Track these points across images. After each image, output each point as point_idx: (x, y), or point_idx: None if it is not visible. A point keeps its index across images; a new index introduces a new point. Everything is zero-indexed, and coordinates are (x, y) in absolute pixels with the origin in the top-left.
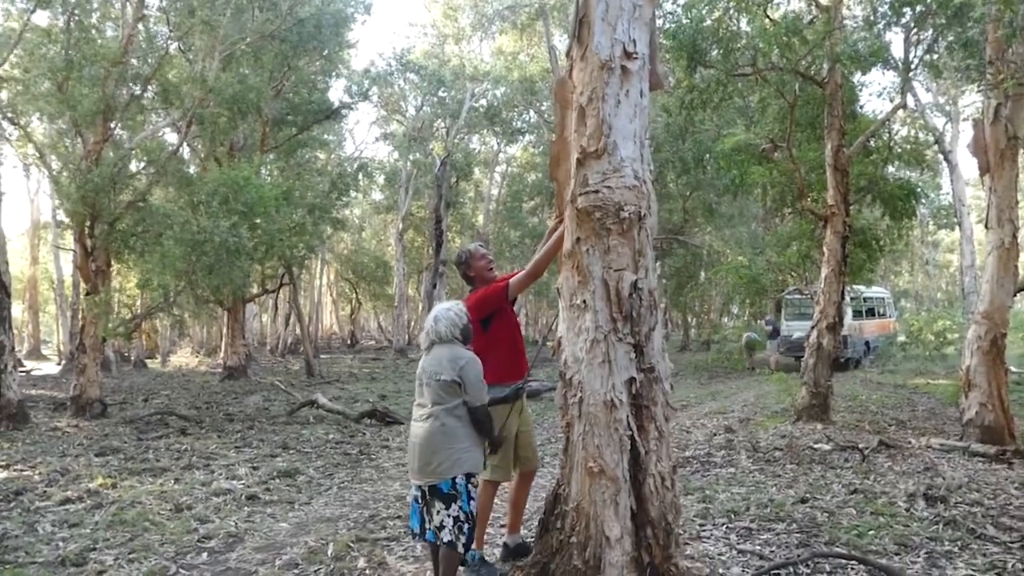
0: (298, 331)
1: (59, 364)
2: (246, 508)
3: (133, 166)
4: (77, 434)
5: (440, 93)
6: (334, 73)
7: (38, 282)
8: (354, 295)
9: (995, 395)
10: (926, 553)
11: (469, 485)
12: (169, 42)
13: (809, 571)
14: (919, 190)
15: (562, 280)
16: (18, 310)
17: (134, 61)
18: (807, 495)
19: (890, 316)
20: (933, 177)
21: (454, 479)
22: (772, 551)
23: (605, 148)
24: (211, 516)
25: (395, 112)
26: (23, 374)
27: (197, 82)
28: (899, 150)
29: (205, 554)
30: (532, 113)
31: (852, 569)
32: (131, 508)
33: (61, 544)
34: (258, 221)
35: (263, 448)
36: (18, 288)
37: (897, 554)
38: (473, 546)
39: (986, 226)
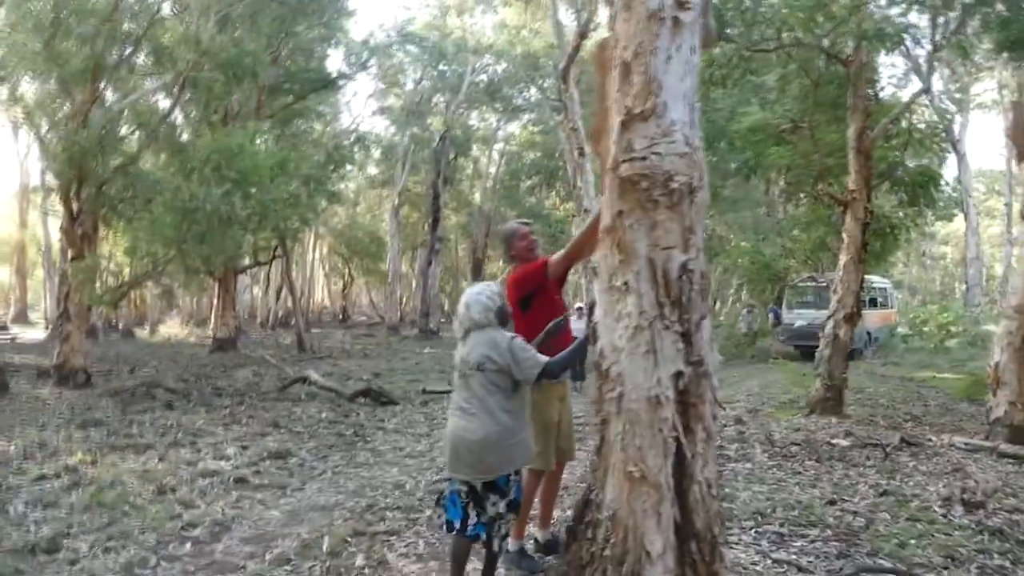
0: (289, 304)
1: (46, 330)
2: (234, 492)
3: (123, 129)
4: (59, 404)
5: (440, 66)
6: (333, 41)
7: (26, 246)
8: (347, 270)
9: None
10: (977, 568)
11: (511, 480)
12: (162, 1)
13: None
14: (939, 177)
15: (600, 259)
16: (5, 274)
17: (125, 22)
18: (834, 496)
19: (892, 307)
20: (939, 166)
21: (508, 475)
22: (810, 562)
23: (653, 109)
24: (196, 500)
25: (393, 85)
26: (7, 340)
27: (191, 44)
28: (918, 135)
29: (189, 544)
30: (534, 90)
31: None
32: (111, 489)
33: (33, 528)
34: (252, 190)
35: (253, 426)
36: (5, 252)
37: (945, 568)
38: (512, 537)
39: (1021, 216)
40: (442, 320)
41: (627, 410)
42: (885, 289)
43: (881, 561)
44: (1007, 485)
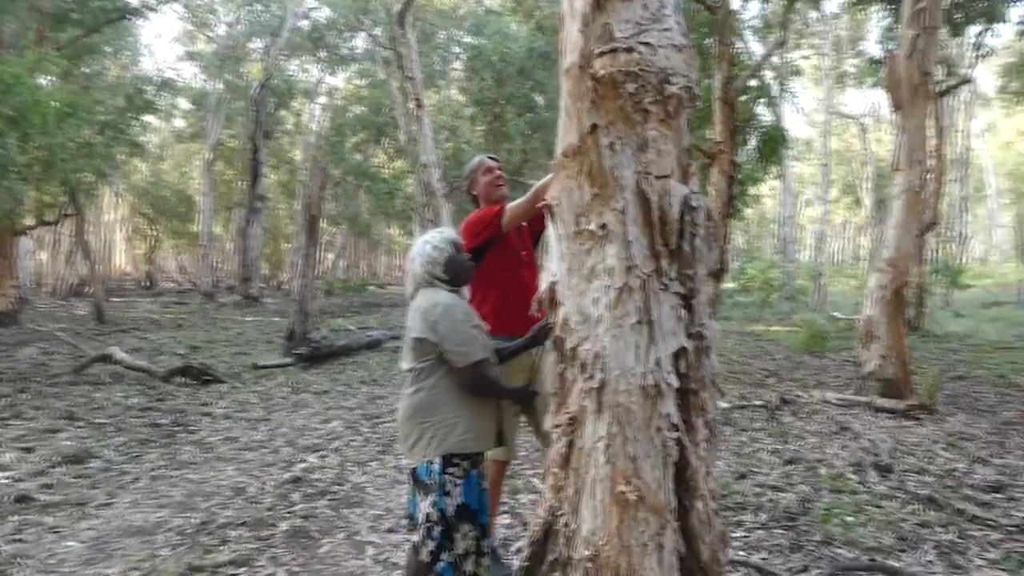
0: (83, 271)
1: None
2: (13, 518)
3: None
4: None
5: (257, 7)
6: None
7: None
8: (152, 232)
9: (895, 347)
10: (933, 548)
11: (446, 475)
12: None
13: None
14: (788, 134)
15: (558, 193)
16: None
17: None
18: (742, 468)
19: None
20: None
21: (431, 463)
22: (765, 559)
23: None
24: None
25: (203, 27)
26: None
27: None
28: (768, 91)
29: None
30: (360, 42)
31: None
32: None
33: None
34: (32, 132)
35: (40, 420)
36: None
37: (902, 551)
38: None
39: (894, 168)
40: (263, 286)
41: (613, 405)
42: None
43: (839, 550)
44: (899, 442)
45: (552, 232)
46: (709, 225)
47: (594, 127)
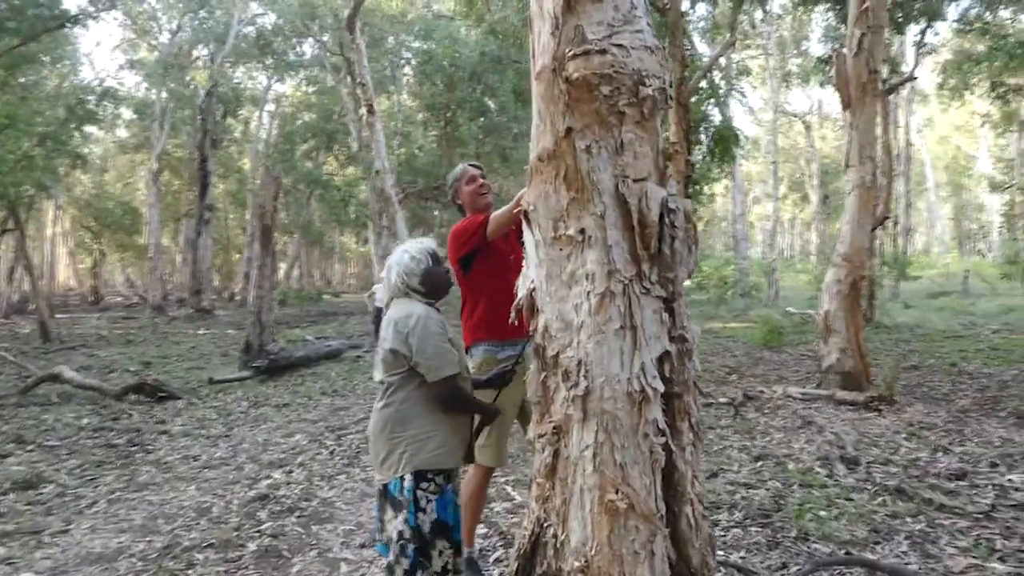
0: (26, 287)
1: None
2: None
3: None
4: None
5: (202, 13)
6: None
7: None
8: (96, 245)
9: (854, 340)
10: (905, 538)
11: (419, 490)
12: None
13: None
14: (740, 134)
15: (534, 198)
16: None
17: None
18: (712, 466)
19: None
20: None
21: (402, 479)
22: (743, 558)
23: None
24: None
25: (145, 34)
26: None
27: None
28: (720, 91)
29: None
30: (308, 48)
31: (851, 572)
32: None
33: None
34: None
35: None
36: None
37: (876, 543)
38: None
39: (846, 164)
40: (214, 297)
41: (599, 413)
42: None
43: (816, 545)
44: (862, 435)
45: (529, 238)
46: (688, 227)
47: (569, 130)
